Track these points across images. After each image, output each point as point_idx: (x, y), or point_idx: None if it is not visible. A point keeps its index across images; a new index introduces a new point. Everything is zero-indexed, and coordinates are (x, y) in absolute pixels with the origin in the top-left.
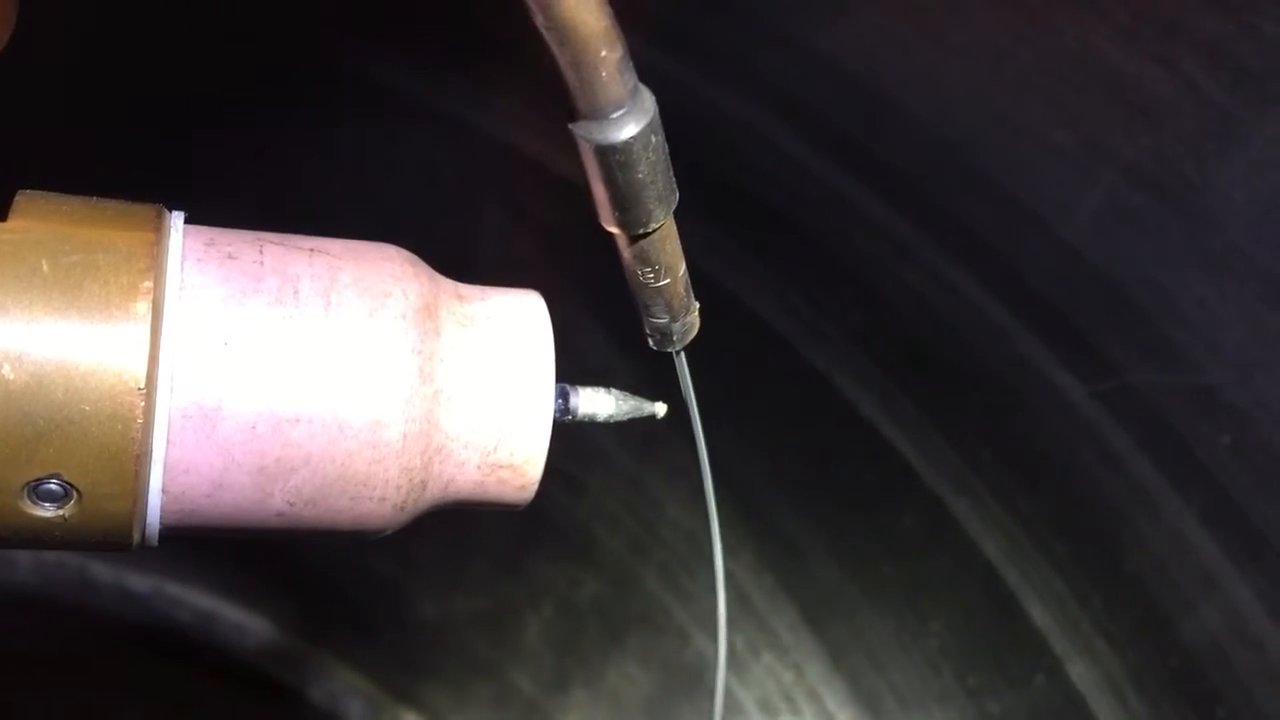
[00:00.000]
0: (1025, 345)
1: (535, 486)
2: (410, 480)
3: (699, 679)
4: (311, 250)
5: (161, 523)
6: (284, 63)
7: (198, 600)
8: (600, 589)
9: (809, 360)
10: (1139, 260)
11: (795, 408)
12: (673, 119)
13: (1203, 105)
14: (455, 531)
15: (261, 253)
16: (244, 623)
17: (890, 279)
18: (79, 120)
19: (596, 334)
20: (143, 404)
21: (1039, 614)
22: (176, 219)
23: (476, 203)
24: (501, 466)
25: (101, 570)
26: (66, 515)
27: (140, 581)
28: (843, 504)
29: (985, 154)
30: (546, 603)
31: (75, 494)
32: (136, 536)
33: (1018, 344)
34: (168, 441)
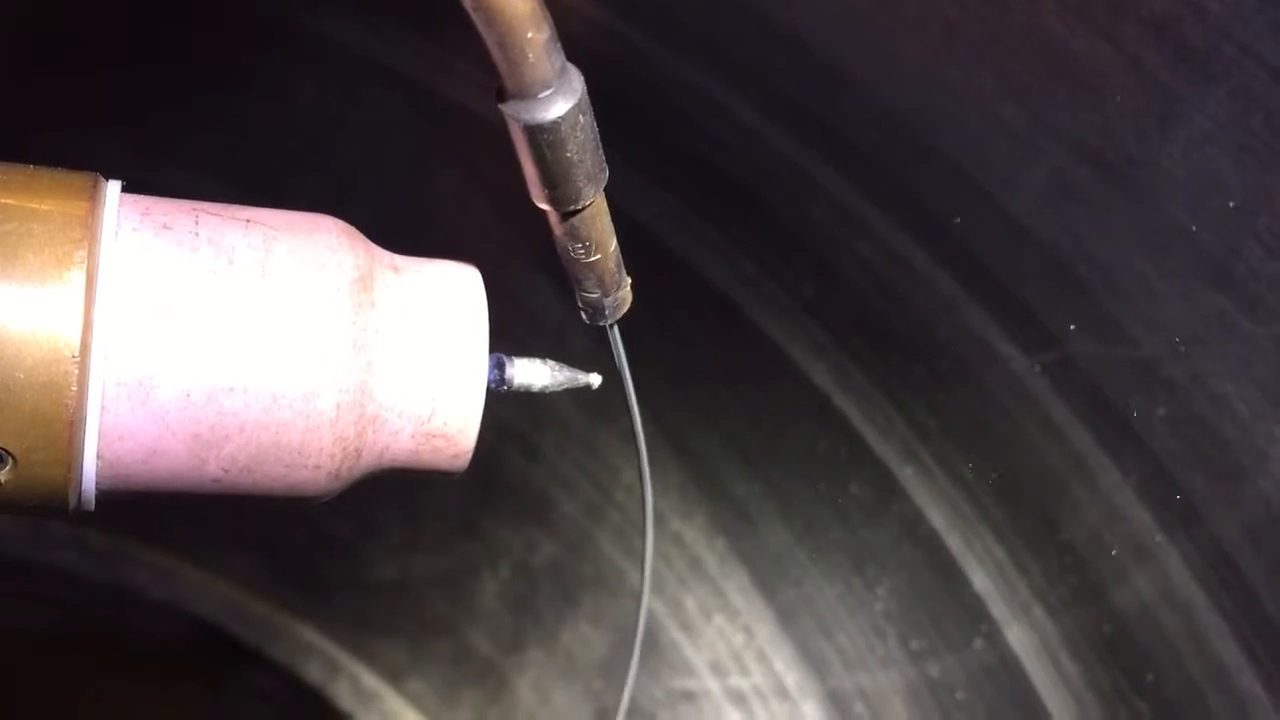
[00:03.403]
0: (972, 317)
1: (469, 455)
2: (344, 449)
3: (651, 641)
4: (248, 220)
5: (97, 488)
6: (241, 19)
7: (157, 558)
8: (556, 551)
9: (762, 328)
10: (1082, 235)
11: (748, 375)
12: (629, 84)
13: (1147, 83)
14: (413, 493)
15: (197, 223)
16: (202, 581)
17: (842, 249)
18: (26, 80)
19: (552, 296)
20: (77, 372)
21: (980, 580)
22: (113, 188)
23: (435, 165)
24: (436, 435)
25: (59, 526)
26: (2, 480)
27: (99, 539)
28: (793, 470)
29: (935, 127)
30: (503, 564)
31: (10, 460)
32: (73, 501)
33: (965, 315)
34: (102, 409)
